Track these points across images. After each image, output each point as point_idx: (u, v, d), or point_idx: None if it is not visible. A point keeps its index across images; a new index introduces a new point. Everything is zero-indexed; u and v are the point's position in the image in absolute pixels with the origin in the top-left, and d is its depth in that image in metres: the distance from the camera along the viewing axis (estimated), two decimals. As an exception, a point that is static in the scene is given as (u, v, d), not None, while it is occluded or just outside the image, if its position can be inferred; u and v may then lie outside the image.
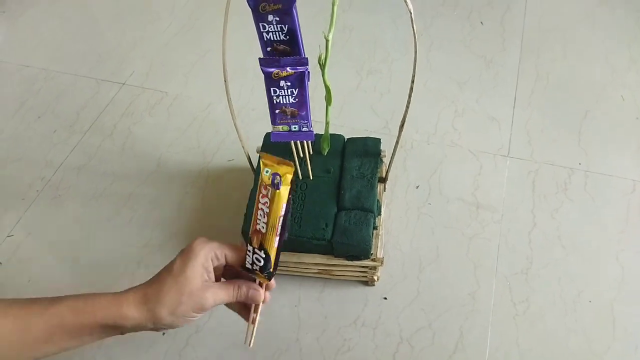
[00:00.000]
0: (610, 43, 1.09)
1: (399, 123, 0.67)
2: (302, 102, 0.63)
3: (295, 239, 0.71)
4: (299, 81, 0.60)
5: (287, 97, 0.62)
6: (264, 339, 0.74)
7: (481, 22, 1.14)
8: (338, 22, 0.56)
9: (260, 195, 0.49)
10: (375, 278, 0.76)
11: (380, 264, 0.72)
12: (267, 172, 0.48)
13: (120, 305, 0.50)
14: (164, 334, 0.75)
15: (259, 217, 0.50)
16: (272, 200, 0.48)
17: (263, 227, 0.49)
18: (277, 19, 0.56)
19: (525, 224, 0.83)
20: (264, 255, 0.50)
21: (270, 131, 0.68)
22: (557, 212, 0.84)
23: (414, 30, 0.55)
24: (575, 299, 0.75)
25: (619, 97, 0.99)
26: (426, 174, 0.90)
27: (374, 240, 0.72)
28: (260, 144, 0.81)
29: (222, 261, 0.53)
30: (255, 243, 0.50)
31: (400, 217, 0.84)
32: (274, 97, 0.62)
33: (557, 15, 1.15)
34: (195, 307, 0.50)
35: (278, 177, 0.47)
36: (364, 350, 0.72)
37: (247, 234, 0.72)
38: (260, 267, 0.51)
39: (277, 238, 0.50)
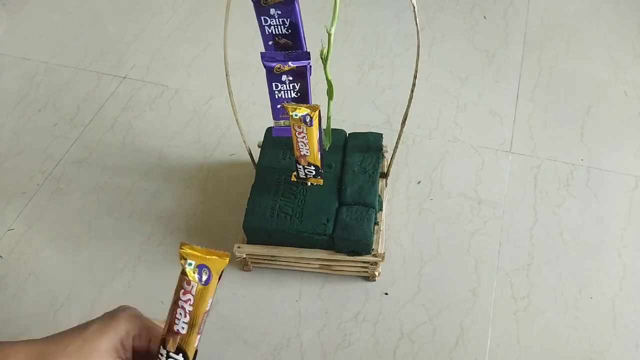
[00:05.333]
0: (613, 39, 1.08)
1: (401, 118, 0.66)
2: (303, 96, 0.62)
3: (296, 234, 0.71)
4: (301, 76, 0.60)
5: (288, 91, 0.62)
6: (264, 333, 0.74)
7: (484, 17, 1.14)
8: (340, 16, 0.55)
9: (182, 291, 0.41)
10: (376, 273, 0.76)
11: (381, 259, 0.72)
12: (190, 265, 0.41)
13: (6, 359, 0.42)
14: (164, 328, 0.75)
15: (177, 316, 0.42)
16: (198, 296, 0.41)
17: (183, 328, 0.42)
18: (279, 12, 0.56)
19: (526, 219, 0.83)
20: (181, 358, 0.43)
21: (271, 126, 0.68)
22: (559, 208, 0.84)
23: (416, 24, 0.54)
24: (577, 296, 0.75)
25: (622, 93, 0.99)
26: (428, 169, 0.89)
27: (375, 235, 0.72)
28: (262, 138, 0.81)
29: (145, 343, 0.44)
30: (171, 346, 0.42)
31: (401, 212, 0.84)
32: (276, 92, 0.62)
33: (561, 10, 1.14)
34: None
35: (207, 270, 0.41)
36: (364, 345, 0.72)
37: (248, 229, 0.72)
38: None
39: (199, 336, 0.42)
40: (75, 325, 0.42)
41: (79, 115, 1.02)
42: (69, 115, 1.02)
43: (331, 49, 0.59)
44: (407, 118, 0.66)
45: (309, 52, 0.59)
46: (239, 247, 0.74)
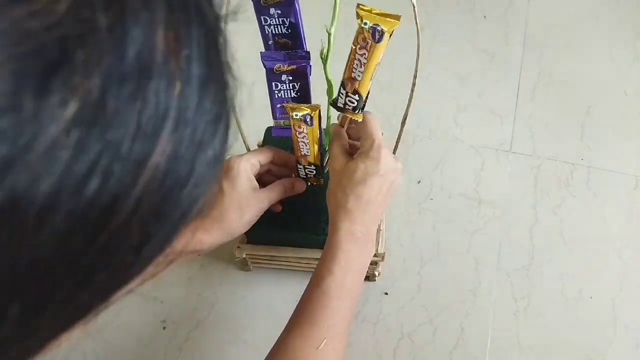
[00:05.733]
0: (614, 38, 1.08)
1: (401, 118, 0.66)
2: (303, 96, 0.62)
3: (297, 234, 0.70)
4: (301, 75, 0.60)
5: (288, 91, 0.62)
6: (264, 333, 0.74)
7: (484, 16, 1.13)
8: (340, 15, 0.55)
9: (358, 46, 0.49)
10: (376, 273, 0.76)
11: (381, 259, 0.71)
12: (365, 24, 0.47)
13: (193, 233, 0.55)
14: (164, 328, 0.75)
15: (354, 66, 0.51)
16: (371, 52, 0.48)
17: (359, 76, 0.51)
18: (279, 12, 0.55)
19: (527, 219, 0.83)
20: (357, 98, 0.54)
21: (271, 125, 0.68)
22: (559, 208, 0.84)
23: (417, 23, 0.54)
24: (577, 296, 0.75)
25: (622, 93, 0.99)
26: (428, 169, 0.89)
27: (374, 235, 0.71)
28: (261, 138, 0.81)
29: (258, 166, 0.62)
30: (349, 88, 0.53)
31: (401, 212, 0.84)
32: (275, 92, 0.62)
33: (561, 10, 1.14)
34: (256, 211, 0.60)
35: (379, 29, 0.47)
36: (364, 345, 0.72)
37: (249, 234, 0.72)
38: (353, 107, 0.56)
39: (371, 81, 0.52)
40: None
41: (79, 115, 1.02)
42: (69, 115, 1.02)
43: (331, 49, 0.59)
44: (407, 118, 0.65)
45: (309, 52, 0.59)
46: (238, 247, 0.74)
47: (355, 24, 0.49)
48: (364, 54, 0.49)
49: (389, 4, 1.19)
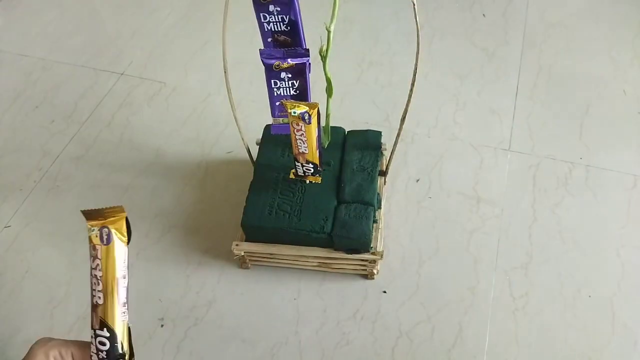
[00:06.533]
0: (613, 37, 1.08)
1: (400, 116, 0.66)
2: (302, 94, 0.62)
3: (295, 232, 0.70)
4: (300, 73, 0.60)
5: (287, 88, 0.61)
6: (263, 331, 0.74)
7: (483, 14, 1.13)
8: (339, 13, 0.55)
9: (91, 258, 0.38)
10: (375, 272, 0.76)
11: (379, 257, 0.71)
12: (93, 230, 0.38)
13: None
14: (162, 326, 0.75)
15: (93, 286, 0.38)
16: (105, 258, 0.37)
17: (100, 298, 0.37)
18: (278, 9, 0.55)
19: (525, 218, 0.83)
20: (108, 335, 0.37)
21: (270, 123, 0.68)
22: (557, 206, 0.84)
23: (417, 22, 0.54)
24: (575, 294, 0.75)
25: (621, 92, 0.99)
26: (427, 167, 0.89)
27: (373, 233, 0.71)
28: (260, 135, 0.81)
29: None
30: (95, 323, 0.38)
31: (400, 210, 0.84)
32: (275, 89, 0.62)
33: (560, 8, 1.14)
34: None
35: (107, 230, 0.38)
36: (362, 343, 0.72)
37: (247, 227, 0.72)
38: (106, 351, 0.38)
39: (123, 308, 0.38)
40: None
41: (76, 112, 1.02)
42: (66, 112, 1.02)
43: (330, 46, 0.59)
44: (406, 116, 0.65)
45: (308, 50, 0.58)
46: (237, 245, 0.73)
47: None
48: (98, 264, 0.38)
49: (388, 4, 1.19)
